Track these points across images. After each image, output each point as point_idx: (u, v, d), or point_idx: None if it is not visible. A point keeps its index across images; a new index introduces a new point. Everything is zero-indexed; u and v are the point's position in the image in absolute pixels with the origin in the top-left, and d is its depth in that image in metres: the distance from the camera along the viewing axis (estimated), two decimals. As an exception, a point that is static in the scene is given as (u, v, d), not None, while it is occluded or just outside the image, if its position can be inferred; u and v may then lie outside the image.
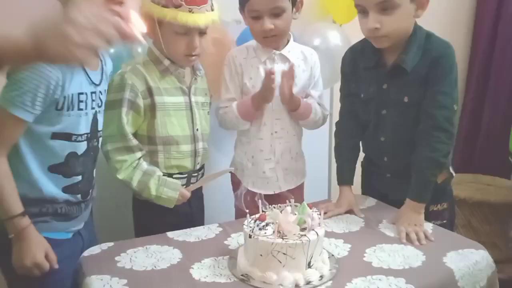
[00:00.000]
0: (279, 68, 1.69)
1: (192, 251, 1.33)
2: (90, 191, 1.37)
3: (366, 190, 1.81)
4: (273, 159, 1.75)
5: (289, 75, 1.62)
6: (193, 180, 1.65)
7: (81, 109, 1.25)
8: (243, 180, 1.79)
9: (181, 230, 1.47)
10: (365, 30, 1.50)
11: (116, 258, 1.27)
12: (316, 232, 1.17)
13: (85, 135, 1.28)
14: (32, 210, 1.21)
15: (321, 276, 1.16)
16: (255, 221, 1.20)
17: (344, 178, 1.70)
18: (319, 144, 2.41)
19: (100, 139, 1.37)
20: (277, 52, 1.72)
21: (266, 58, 1.71)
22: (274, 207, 1.26)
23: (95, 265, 1.22)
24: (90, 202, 1.40)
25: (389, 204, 1.67)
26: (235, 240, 1.41)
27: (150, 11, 1.45)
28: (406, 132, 1.56)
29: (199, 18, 1.47)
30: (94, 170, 1.40)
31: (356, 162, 1.74)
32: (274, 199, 1.79)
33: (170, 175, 1.57)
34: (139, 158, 1.51)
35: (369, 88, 1.61)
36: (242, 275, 1.17)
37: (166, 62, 1.55)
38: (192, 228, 1.49)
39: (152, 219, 1.57)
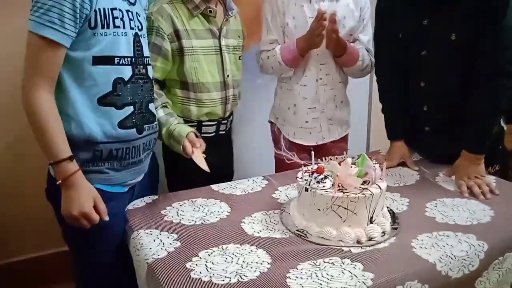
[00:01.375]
0: (325, 7, 1.54)
1: (240, 205, 1.25)
2: (147, 127, 1.23)
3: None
4: (317, 107, 1.63)
5: (334, 17, 1.47)
6: (222, 127, 1.57)
7: (118, 27, 1.12)
8: (284, 130, 1.69)
9: (225, 183, 1.40)
10: None
11: (163, 212, 1.21)
12: (379, 186, 1.08)
13: (129, 58, 1.16)
14: (84, 156, 1.11)
15: (383, 232, 1.08)
16: (311, 174, 1.11)
17: (395, 133, 1.57)
18: (358, 93, 2.26)
19: (149, 67, 1.24)
20: None
21: None
22: (331, 159, 1.16)
23: (142, 219, 1.17)
24: (150, 146, 1.27)
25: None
26: (283, 193, 1.33)
27: None
28: (450, 76, 1.39)
29: None
30: (151, 105, 1.26)
31: (402, 109, 1.57)
32: (316, 151, 1.70)
33: (200, 123, 1.51)
34: (158, 107, 1.40)
35: (408, 25, 1.43)
36: (298, 230, 1.10)
37: (196, 0, 1.43)
38: (236, 181, 1.42)
39: (179, 168, 1.51)
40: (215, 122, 1.54)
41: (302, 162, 1.19)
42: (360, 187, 1.07)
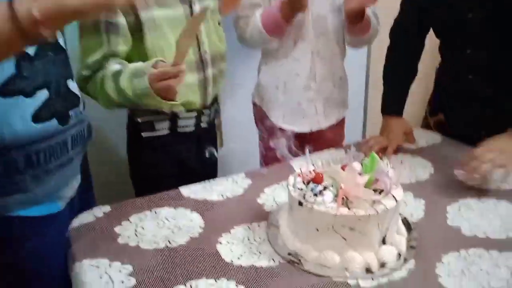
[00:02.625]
0: None
1: (216, 215, 1.00)
2: (72, 114, 0.93)
3: (442, 109, 1.39)
4: (312, 86, 1.35)
5: None
6: (203, 119, 1.27)
7: None
8: (271, 114, 1.41)
9: (198, 185, 1.14)
10: None
11: (117, 230, 0.94)
12: (394, 197, 0.83)
13: None
14: None
15: (399, 254, 0.84)
16: (306, 183, 0.85)
17: (392, 106, 1.32)
18: (354, 69, 1.97)
19: (61, 40, 0.92)
20: None
21: None
22: (330, 162, 0.90)
23: (89, 243, 0.90)
24: (80, 145, 0.98)
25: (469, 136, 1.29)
26: (270, 197, 1.08)
27: None
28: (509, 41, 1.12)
29: None
30: (71, 84, 0.94)
31: (409, 89, 1.36)
32: (309, 138, 1.45)
33: (175, 116, 1.19)
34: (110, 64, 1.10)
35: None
36: (289, 254, 0.86)
37: None
38: (212, 181, 1.16)
39: (148, 169, 1.24)
40: (195, 114, 1.23)
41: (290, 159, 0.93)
42: (370, 200, 0.82)
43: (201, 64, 1.18)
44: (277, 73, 1.36)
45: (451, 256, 0.85)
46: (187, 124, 1.22)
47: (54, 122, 0.87)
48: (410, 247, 0.87)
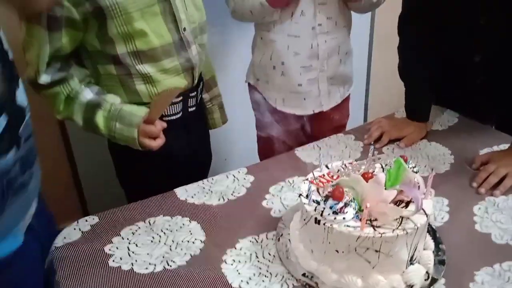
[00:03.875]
0: None
1: (217, 225, 0.89)
2: (20, 132, 0.70)
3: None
4: (314, 65, 1.20)
5: None
6: (191, 102, 1.12)
7: None
8: (269, 96, 1.27)
9: (196, 185, 1.02)
10: None
11: (107, 250, 0.83)
12: (424, 211, 0.73)
13: None
14: None
15: (427, 274, 0.75)
16: (325, 199, 0.73)
17: (419, 113, 1.20)
18: (356, 36, 1.79)
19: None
20: None
21: None
22: (350, 168, 0.79)
23: (76, 269, 0.79)
24: (32, 159, 0.75)
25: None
26: (277, 199, 0.97)
27: None
28: None
29: None
30: (18, 91, 0.71)
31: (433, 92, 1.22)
32: (315, 119, 1.32)
33: None
34: (79, 84, 0.96)
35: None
36: (304, 275, 0.76)
37: None
38: (211, 180, 1.04)
39: (134, 164, 1.09)
40: (180, 98, 1.07)
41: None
42: (398, 219, 0.71)
43: (182, 44, 1.01)
44: (274, 52, 1.20)
45: (484, 272, 0.76)
46: (173, 111, 1.08)
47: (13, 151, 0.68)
48: (438, 262, 0.78)
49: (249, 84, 1.32)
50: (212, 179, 1.04)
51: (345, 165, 0.81)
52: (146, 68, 0.96)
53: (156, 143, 0.98)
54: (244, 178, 1.04)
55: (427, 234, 0.82)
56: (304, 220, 0.77)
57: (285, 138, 1.33)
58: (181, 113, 1.08)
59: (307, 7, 1.14)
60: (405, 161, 0.77)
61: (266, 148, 1.35)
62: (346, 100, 1.37)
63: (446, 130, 1.21)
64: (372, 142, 1.14)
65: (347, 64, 1.30)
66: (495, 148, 1.10)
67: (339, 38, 1.21)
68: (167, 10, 0.95)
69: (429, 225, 0.85)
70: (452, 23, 1.08)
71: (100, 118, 0.95)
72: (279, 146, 1.31)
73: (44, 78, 0.91)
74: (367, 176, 0.76)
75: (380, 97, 2.09)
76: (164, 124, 1.00)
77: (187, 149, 1.13)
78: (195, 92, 1.12)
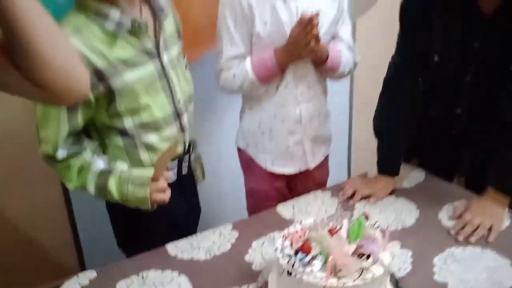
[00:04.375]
0: (302, 5, 1.24)
1: (204, 279, 0.99)
2: None
3: (419, 153, 1.42)
4: (298, 129, 1.35)
5: (317, 21, 1.15)
6: (184, 165, 1.24)
7: None
8: (258, 158, 1.41)
9: (185, 240, 1.12)
10: None
11: (103, 302, 0.93)
12: (383, 263, 0.84)
13: None
14: None
15: (389, 319, 0.85)
16: (295, 252, 0.84)
17: (389, 167, 1.32)
18: (338, 100, 1.97)
19: None
20: None
21: None
22: (317, 223, 0.90)
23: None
24: None
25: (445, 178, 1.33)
26: (258, 253, 1.07)
27: None
28: (495, 104, 1.14)
29: None
30: None
31: (405, 147, 1.35)
32: (296, 178, 1.45)
33: None
34: (91, 155, 1.08)
35: (449, 45, 1.15)
36: (280, 323, 0.85)
37: (115, 14, 0.98)
38: (199, 235, 1.14)
39: (134, 224, 1.19)
40: (176, 163, 1.19)
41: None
42: (359, 269, 0.82)
43: (177, 114, 1.15)
44: (261, 120, 1.35)
45: (440, 318, 0.86)
46: (169, 176, 1.19)
47: None
48: (399, 309, 0.88)
49: (239, 148, 1.46)
50: (201, 234, 1.15)
51: (315, 221, 0.93)
52: (150, 137, 1.10)
53: (167, 196, 1.07)
54: (230, 234, 1.15)
55: (390, 284, 0.92)
56: (279, 272, 0.87)
57: (272, 195, 1.45)
58: (176, 176, 1.21)
59: (290, 80, 1.30)
60: (367, 218, 0.89)
61: (255, 204, 1.46)
62: (326, 158, 1.51)
63: (413, 187, 1.33)
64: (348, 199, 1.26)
65: (326, 126, 1.45)
66: (456, 204, 1.21)
67: (318, 103, 1.37)
68: (166, 85, 1.11)
69: (393, 275, 0.96)
70: (440, 81, 1.21)
71: (112, 184, 1.05)
72: (266, 202, 1.43)
73: (61, 154, 1.03)
74: (332, 232, 0.87)
75: (362, 154, 2.24)
76: (169, 176, 1.10)
77: (182, 208, 1.25)
78: (188, 155, 1.25)
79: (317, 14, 1.15)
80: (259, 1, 1.21)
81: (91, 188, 1.07)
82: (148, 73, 1.06)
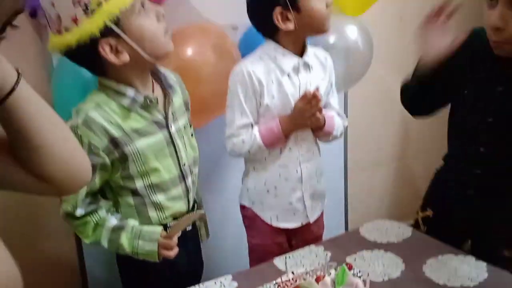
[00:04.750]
0: (303, 80, 1.45)
1: (205, 324, 1.08)
2: None
3: (433, 205, 1.51)
4: (299, 186, 1.51)
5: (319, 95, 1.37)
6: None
7: None
8: (264, 215, 1.55)
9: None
10: (487, 27, 1.17)
11: None
12: (364, 308, 0.94)
13: None
14: None
15: None
16: (285, 298, 0.95)
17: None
18: (333, 159, 2.15)
19: None
20: (301, 59, 1.45)
21: (291, 68, 1.44)
22: (307, 273, 1.02)
23: None
24: None
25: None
26: (255, 301, 1.17)
27: (100, 25, 1.06)
28: None
29: None
30: None
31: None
32: (298, 232, 1.58)
33: (165, 227, 1.29)
34: (106, 213, 1.23)
35: (476, 84, 1.29)
36: None
37: (130, 92, 1.17)
38: (201, 285, 1.25)
39: (141, 276, 1.31)
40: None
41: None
42: (342, 313, 0.92)
43: (182, 176, 1.30)
44: (267, 179, 1.51)
45: None
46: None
47: None
48: None
49: (243, 206, 1.59)
50: (202, 284, 1.25)
51: (306, 270, 1.04)
52: (158, 197, 1.25)
53: (174, 253, 1.22)
54: (230, 284, 1.25)
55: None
56: (272, 316, 0.97)
57: (273, 250, 1.57)
58: (180, 232, 1.32)
59: (292, 144, 1.48)
60: (350, 268, 1.01)
61: (258, 258, 1.56)
62: (322, 214, 1.64)
63: (401, 242, 1.43)
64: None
65: (322, 183, 1.60)
66: (440, 257, 1.31)
67: (315, 163, 1.54)
68: (173, 151, 1.27)
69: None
70: (461, 119, 1.33)
71: (124, 239, 1.19)
72: (267, 256, 1.53)
73: (80, 211, 1.18)
74: (319, 279, 0.98)
75: (358, 210, 2.38)
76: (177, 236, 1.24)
77: (187, 263, 1.36)
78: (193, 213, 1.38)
79: (317, 89, 1.35)
80: (268, 77, 1.41)
81: (105, 242, 1.22)
82: (158, 141, 1.23)
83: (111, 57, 1.10)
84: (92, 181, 1.16)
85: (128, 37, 1.10)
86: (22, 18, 0.64)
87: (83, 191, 1.16)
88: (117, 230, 1.20)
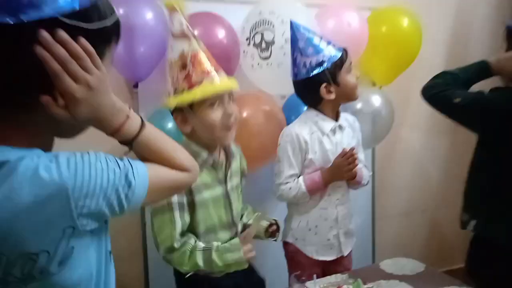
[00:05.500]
0: (339, 138, 1.82)
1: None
2: None
3: (477, 269, 1.71)
4: (335, 225, 1.85)
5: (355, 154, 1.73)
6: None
7: None
8: (306, 250, 1.86)
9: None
10: None
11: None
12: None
13: None
14: None
15: None
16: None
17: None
18: (361, 201, 2.50)
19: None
20: (337, 123, 1.80)
21: (329, 130, 1.78)
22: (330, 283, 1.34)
23: None
24: None
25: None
26: (292, 311, 1.49)
27: (177, 103, 1.43)
28: None
29: (224, 81, 1.46)
30: None
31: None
32: (332, 265, 1.87)
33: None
34: (194, 241, 1.48)
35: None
36: None
37: (204, 154, 1.49)
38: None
39: None
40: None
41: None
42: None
43: (233, 223, 1.61)
44: (309, 219, 1.84)
45: None
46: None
47: None
48: None
49: (286, 242, 1.90)
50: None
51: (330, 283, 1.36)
52: (210, 239, 1.51)
53: (254, 253, 1.47)
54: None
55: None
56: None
57: (310, 279, 1.87)
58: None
59: (330, 191, 1.83)
60: (364, 283, 1.32)
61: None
62: (351, 251, 1.95)
63: (415, 275, 1.71)
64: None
65: (352, 223, 1.94)
66: (446, 288, 1.57)
67: (348, 206, 1.89)
68: (227, 203, 1.57)
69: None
70: None
71: (215, 256, 1.44)
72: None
73: (177, 244, 1.44)
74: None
75: (384, 249, 2.71)
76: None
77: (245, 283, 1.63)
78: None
79: (353, 148, 1.73)
80: (312, 138, 1.78)
81: (201, 262, 1.44)
82: (217, 193, 1.54)
83: (180, 125, 1.49)
84: (182, 217, 1.45)
85: (192, 118, 1.46)
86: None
87: (178, 226, 1.43)
88: (206, 251, 1.44)
